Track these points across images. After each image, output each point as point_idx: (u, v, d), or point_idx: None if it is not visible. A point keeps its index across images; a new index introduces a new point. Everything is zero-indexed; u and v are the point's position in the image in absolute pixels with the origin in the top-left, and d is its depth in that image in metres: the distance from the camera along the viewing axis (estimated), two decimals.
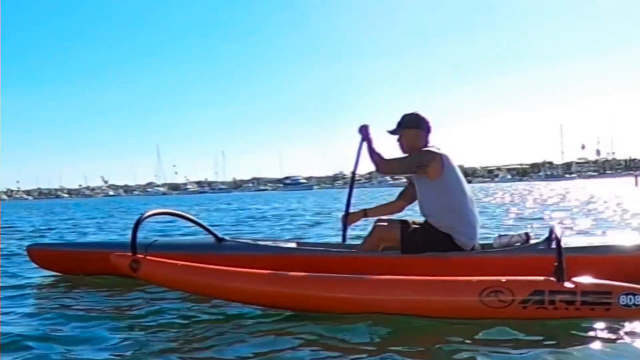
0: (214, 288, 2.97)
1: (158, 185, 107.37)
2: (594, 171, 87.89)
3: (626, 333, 2.38)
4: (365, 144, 3.65)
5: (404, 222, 3.49)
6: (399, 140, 3.60)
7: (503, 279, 2.61)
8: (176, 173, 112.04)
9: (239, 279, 2.91)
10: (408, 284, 2.76)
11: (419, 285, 2.75)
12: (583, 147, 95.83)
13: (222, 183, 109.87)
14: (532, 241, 3.43)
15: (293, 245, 4.09)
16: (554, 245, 2.93)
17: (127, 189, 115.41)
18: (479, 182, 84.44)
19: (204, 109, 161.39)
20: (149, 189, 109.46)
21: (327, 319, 2.69)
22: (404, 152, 3.59)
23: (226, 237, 3.97)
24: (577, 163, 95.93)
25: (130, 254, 2.98)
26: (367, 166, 3.84)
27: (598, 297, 2.55)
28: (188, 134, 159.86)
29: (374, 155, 3.58)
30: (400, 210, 3.79)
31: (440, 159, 3.42)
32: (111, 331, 2.74)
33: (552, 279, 2.57)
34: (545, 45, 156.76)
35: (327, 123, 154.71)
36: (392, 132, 3.61)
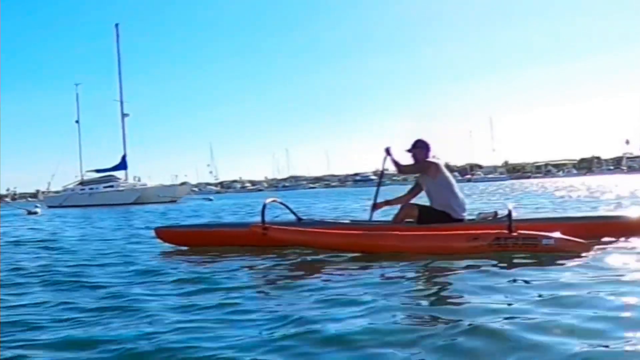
0: (310, 241, 5.33)
1: (210, 184, 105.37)
2: None
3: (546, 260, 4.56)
4: (389, 158, 6.12)
5: (421, 206, 5.83)
6: (412, 156, 6.05)
7: (480, 231, 4.87)
8: (211, 172, 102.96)
9: (323, 235, 5.30)
10: (428, 237, 5.04)
11: (435, 237, 5.02)
12: (627, 142, 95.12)
13: (283, 180, 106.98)
14: (498, 216, 5.62)
15: (347, 221, 6.33)
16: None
17: None
18: (538, 177, 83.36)
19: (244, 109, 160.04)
20: (194, 188, 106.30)
21: (377, 258, 4.86)
22: (416, 162, 6.04)
23: (304, 217, 6.27)
24: (628, 158, 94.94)
25: (261, 224, 5.35)
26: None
27: (531, 241, 4.75)
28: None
29: (397, 164, 6.11)
30: (407, 201, 6.11)
31: (436, 166, 5.83)
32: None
33: (505, 231, 4.79)
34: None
35: (370, 119, 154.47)
36: (408, 151, 6.08)
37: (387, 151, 6.16)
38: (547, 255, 4.58)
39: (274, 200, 5.89)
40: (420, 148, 6.05)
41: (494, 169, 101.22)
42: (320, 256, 5.18)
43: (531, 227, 5.13)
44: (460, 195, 5.91)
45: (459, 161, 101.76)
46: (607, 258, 4.46)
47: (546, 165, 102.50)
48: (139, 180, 41.77)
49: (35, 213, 23.82)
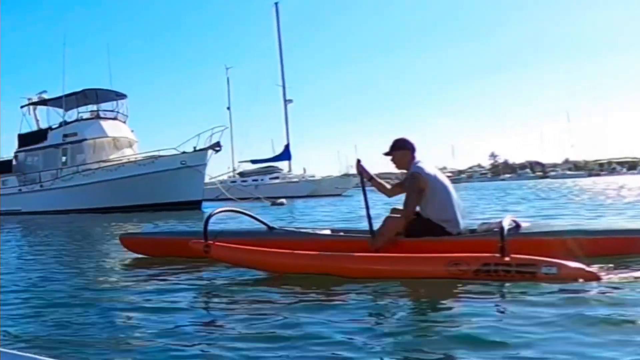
0: (262, 263, 4.40)
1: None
2: None
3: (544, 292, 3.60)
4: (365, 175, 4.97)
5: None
6: (392, 160, 4.91)
7: (464, 255, 3.92)
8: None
9: (280, 257, 4.33)
10: (405, 259, 4.12)
11: (411, 259, 4.10)
12: None
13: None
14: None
15: (327, 232, 5.25)
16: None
17: None
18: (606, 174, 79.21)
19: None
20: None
21: (344, 282, 3.98)
22: (397, 167, 4.91)
23: (276, 227, 5.25)
24: None
25: (203, 240, 4.47)
26: None
27: (528, 268, 3.76)
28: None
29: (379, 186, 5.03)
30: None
31: (423, 176, 4.66)
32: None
33: (497, 255, 3.82)
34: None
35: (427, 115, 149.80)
36: (387, 154, 4.92)
37: (360, 168, 4.95)
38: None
39: (224, 210, 4.95)
40: (401, 149, 4.87)
41: (554, 166, 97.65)
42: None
43: (536, 242, 4.25)
44: (457, 203, 4.81)
45: (517, 158, 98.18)
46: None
47: (610, 162, 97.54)
48: (305, 171, 37.77)
49: (282, 204, 21.60)
